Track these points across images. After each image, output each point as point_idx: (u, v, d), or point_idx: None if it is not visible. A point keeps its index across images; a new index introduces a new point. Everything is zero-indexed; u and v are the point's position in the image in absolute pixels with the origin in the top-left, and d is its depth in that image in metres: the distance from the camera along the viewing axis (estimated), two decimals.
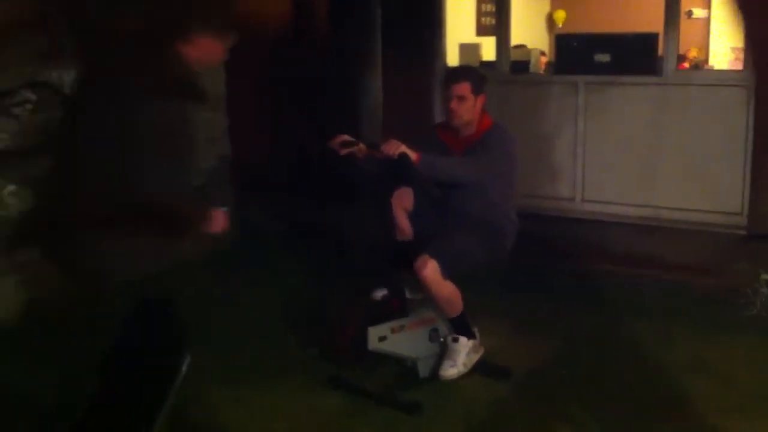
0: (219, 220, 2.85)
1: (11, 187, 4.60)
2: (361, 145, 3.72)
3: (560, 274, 5.23)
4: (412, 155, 3.50)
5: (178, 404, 2.78)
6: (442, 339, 3.90)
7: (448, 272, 3.68)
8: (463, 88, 3.83)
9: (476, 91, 3.85)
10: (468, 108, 3.85)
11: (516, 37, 7.07)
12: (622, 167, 6.23)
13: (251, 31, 6.27)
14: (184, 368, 1.87)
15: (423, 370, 3.86)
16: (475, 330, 3.94)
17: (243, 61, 6.10)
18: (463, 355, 3.86)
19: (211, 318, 4.43)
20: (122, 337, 2.08)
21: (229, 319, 4.58)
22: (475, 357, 3.92)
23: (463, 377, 3.84)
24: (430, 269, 3.65)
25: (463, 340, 3.85)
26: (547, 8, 10.54)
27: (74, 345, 4.25)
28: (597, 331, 4.41)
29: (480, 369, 3.91)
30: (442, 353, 3.88)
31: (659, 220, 6.09)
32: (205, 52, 2.79)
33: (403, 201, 3.96)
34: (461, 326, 3.86)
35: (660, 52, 6.16)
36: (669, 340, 4.27)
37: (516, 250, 4.05)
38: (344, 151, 3.62)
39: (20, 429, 3.45)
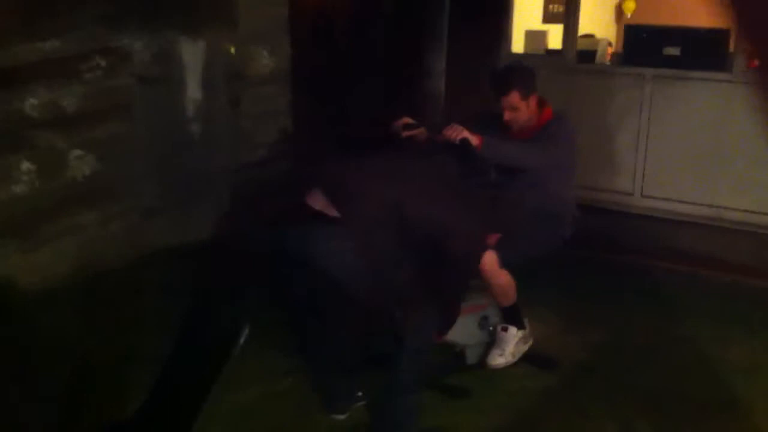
0: None
1: (77, 152, 4.70)
2: (423, 129, 3.71)
3: (616, 269, 5.19)
4: (474, 140, 3.48)
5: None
6: (491, 327, 3.89)
7: (504, 261, 3.67)
8: (513, 98, 3.74)
9: (526, 95, 3.75)
10: (522, 114, 3.78)
11: (583, 26, 6.96)
12: (684, 164, 6.11)
13: (317, 8, 6.31)
14: (242, 340, 1.90)
15: (471, 357, 3.87)
16: (526, 321, 3.92)
17: (311, 37, 6.16)
18: (511, 345, 3.85)
19: None
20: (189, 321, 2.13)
21: None
22: (524, 348, 3.91)
23: (510, 366, 3.84)
24: (488, 257, 3.63)
25: (512, 330, 3.85)
26: None
27: (127, 306, 4.40)
28: (650, 327, 4.37)
29: (527, 359, 3.90)
30: (491, 342, 3.88)
31: (721, 220, 5.97)
32: None
33: None
34: (513, 316, 3.85)
35: (731, 48, 6.02)
36: (723, 341, 4.20)
37: (572, 241, 4.02)
38: (406, 134, 3.61)
39: (73, 386, 3.53)
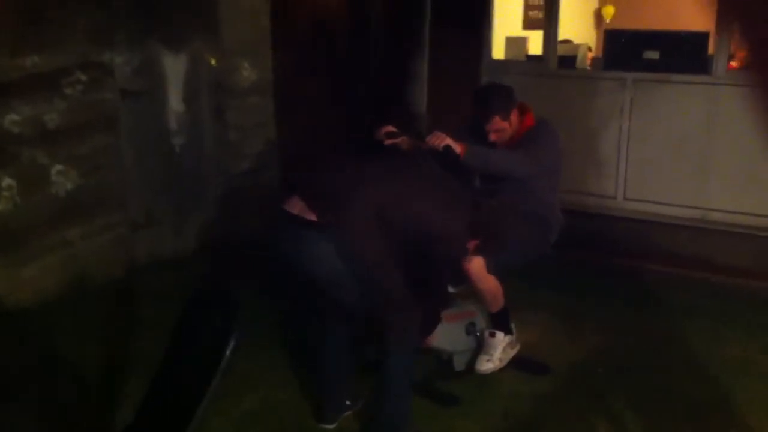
0: None
1: (59, 167, 4.68)
2: (405, 137, 3.71)
3: (603, 271, 5.21)
4: (457, 148, 3.49)
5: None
6: (478, 333, 3.90)
7: (492, 267, 3.67)
8: (495, 123, 3.78)
9: (507, 115, 3.79)
10: (507, 132, 3.83)
11: (563, 32, 7.00)
12: (668, 166, 6.14)
13: (300, 18, 6.32)
14: (229, 349, 1.90)
15: (459, 364, 3.87)
16: (513, 326, 3.93)
17: (291, 46, 6.16)
18: (499, 350, 3.86)
19: None
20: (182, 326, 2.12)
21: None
22: (511, 353, 3.92)
23: (501, 371, 3.84)
24: (476, 263, 3.64)
25: (499, 335, 3.85)
26: (595, 3, 10.44)
27: (117, 318, 4.39)
28: (641, 329, 4.39)
29: (519, 364, 3.91)
30: (479, 347, 3.88)
31: (707, 221, 5.99)
32: None
33: None
34: (500, 321, 3.86)
35: (710, 50, 6.06)
36: (715, 340, 4.23)
37: (559, 245, 4.03)
38: (389, 142, 3.62)
39: (68, 399, 3.52)
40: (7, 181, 4.41)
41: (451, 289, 3.87)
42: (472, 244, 3.41)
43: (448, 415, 3.49)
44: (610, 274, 5.18)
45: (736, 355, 4.06)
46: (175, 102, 5.34)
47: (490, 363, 3.83)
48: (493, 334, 3.85)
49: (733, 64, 6.26)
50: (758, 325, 4.40)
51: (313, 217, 3.00)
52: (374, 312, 3.08)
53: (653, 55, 6.19)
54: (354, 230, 2.96)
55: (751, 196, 5.80)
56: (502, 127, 3.79)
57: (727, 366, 3.92)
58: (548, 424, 3.45)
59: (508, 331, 3.88)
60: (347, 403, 3.48)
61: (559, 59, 6.65)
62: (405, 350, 3.13)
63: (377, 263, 3.00)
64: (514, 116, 3.82)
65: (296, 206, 3.07)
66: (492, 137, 3.81)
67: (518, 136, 3.85)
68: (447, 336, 3.83)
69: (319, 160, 3.51)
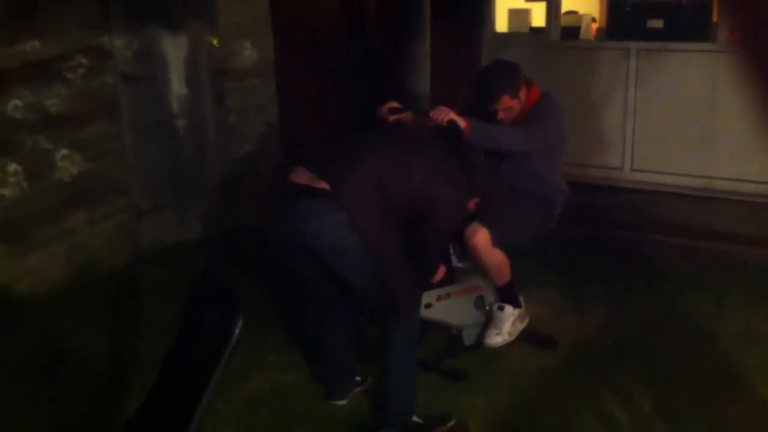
0: None
1: (64, 151, 4.68)
2: (409, 112, 3.70)
3: (610, 244, 5.19)
4: (462, 123, 3.47)
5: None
6: (487, 307, 3.90)
7: (497, 240, 3.67)
8: (504, 102, 3.74)
9: (515, 93, 3.75)
10: (515, 109, 3.79)
11: (567, 3, 6.96)
12: (673, 136, 6.12)
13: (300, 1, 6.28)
14: (237, 332, 1.89)
15: (468, 338, 3.87)
16: (521, 299, 3.93)
17: (291, 27, 6.13)
18: (508, 324, 3.85)
19: None
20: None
21: None
22: (521, 326, 3.92)
23: (509, 346, 3.84)
24: (481, 237, 3.64)
25: (508, 308, 3.85)
26: None
27: (120, 308, 4.39)
28: (648, 301, 4.37)
29: (527, 338, 3.90)
30: (488, 321, 3.88)
31: (713, 190, 5.99)
32: None
33: None
34: (508, 295, 3.85)
35: (714, 19, 6.02)
36: (721, 311, 4.21)
37: (564, 218, 4.02)
38: (392, 118, 3.60)
39: (74, 389, 3.53)
40: (13, 167, 4.40)
41: (458, 264, 3.87)
42: (473, 203, 3.40)
43: (455, 390, 3.49)
44: (616, 247, 5.15)
45: (741, 325, 4.04)
46: (176, 85, 5.32)
47: (499, 337, 3.83)
48: (501, 308, 3.85)
49: (736, 34, 6.22)
50: (763, 294, 4.38)
51: (322, 185, 2.98)
52: (378, 283, 3.05)
53: (657, 24, 6.15)
54: (355, 200, 2.95)
55: (755, 164, 5.79)
56: (511, 104, 3.76)
57: (734, 337, 3.90)
58: (555, 399, 3.44)
59: (516, 304, 3.88)
60: (357, 379, 3.49)
61: (563, 30, 6.62)
62: (405, 320, 3.12)
63: (378, 232, 2.98)
64: (522, 93, 3.79)
65: (303, 176, 3.05)
66: (501, 116, 3.78)
67: (524, 111, 3.83)
68: (456, 310, 3.84)
69: (322, 136, 3.48)
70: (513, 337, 3.87)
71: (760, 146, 5.71)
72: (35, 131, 4.51)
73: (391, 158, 3.10)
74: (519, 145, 3.71)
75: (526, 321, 3.96)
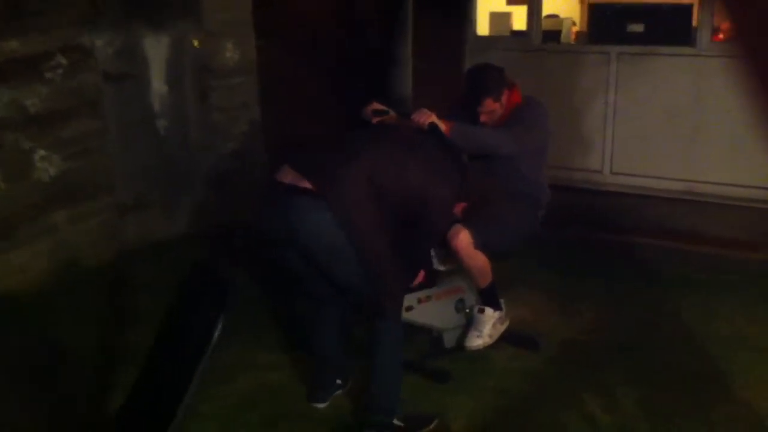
0: None
1: (42, 152, 4.64)
2: (392, 114, 3.69)
3: (592, 247, 5.21)
4: (443, 125, 3.47)
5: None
6: (467, 310, 3.90)
7: (479, 243, 3.67)
8: (487, 105, 3.75)
9: (499, 96, 3.76)
10: (498, 112, 3.80)
11: (548, 6, 6.99)
12: (654, 139, 6.16)
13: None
14: (216, 334, 1.89)
15: (449, 341, 3.87)
16: (502, 302, 3.94)
17: (274, 26, 6.10)
18: (488, 326, 3.85)
19: None
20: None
21: None
22: (501, 328, 3.92)
23: (493, 348, 3.84)
24: (463, 239, 3.63)
25: (489, 311, 3.85)
26: None
27: (107, 305, 4.37)
28: (631, 303, 4.40)
29: (509, 339, 3.91)
30: (468, 324, 3.89)
31: (695, 193, 6.02)
32: None
33: None
34: (489, 297, 3.86)
35: (695, 23, 6.06)
36: (707, 314, 4.23)
37: (548, 222, 4.03)
38: (376, 119, 3.60)
39: (60, 385, 3.51)
40: None
41: (438, 267, 3.87)
42: (459, 207, 3.41)
43: (439, 392, 3.50)
44: (600, 249, 5.18)
45: (728, 328, 4.06)
46: (158, 84, 5.30)
47: (479, 339, 3.83)
48: (482, 310, 3.85)
49: (720, 36, 6.27)
50: (750, 297, 4.41)
51: (307, 185, 2.98)
52: (366, 281, 3.05)
53: (638, 28, 6.19)
54: (346, 198, 2.95)
55: (738, 167, 5.82)
56: (494, 108, 3.77)
57: (721, 339, 3.92)
58: (540, 400, 3.45)
59: (497, 307, 3.88)
60: (338, 382, 3.49)
61: (544, 34, 6.64)
62: (394, 319, 3.13)
63: (369, 231, 2.98)
64: (505, 97, 3.81)
65: (288, 175, 3.05)
66: (482, 118, 3.78)
67: (506, 114, 3.84)
68: (436, 313, 3.83)
69: (307, 135, 3.47)
70: (493, 340, 3.87)
71: (741, 149, 5.77)
72: (14, 131, 4.47)
73: (387, 157, 3.11)
74: (503, 147, 3.72)
75: (507, 323, 3.96)
